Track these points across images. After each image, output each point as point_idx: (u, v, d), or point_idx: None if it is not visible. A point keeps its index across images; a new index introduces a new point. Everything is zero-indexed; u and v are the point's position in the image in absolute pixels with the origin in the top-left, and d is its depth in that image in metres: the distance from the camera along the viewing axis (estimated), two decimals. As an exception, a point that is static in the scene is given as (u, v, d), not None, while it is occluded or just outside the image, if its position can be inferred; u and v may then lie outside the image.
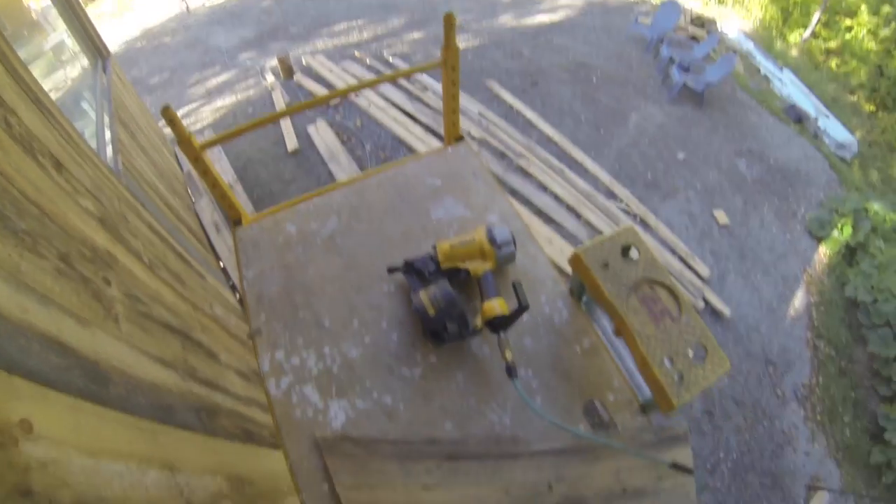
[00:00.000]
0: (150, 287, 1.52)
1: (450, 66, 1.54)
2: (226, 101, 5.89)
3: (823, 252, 6.16)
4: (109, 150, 2.61)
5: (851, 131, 9.10)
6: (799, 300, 5.54)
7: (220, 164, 4.60)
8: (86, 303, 1.04)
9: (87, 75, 3.41)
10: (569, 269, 1.35)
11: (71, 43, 3.51)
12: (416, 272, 1.33)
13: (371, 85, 1.69)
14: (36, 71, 1.62)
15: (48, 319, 0.87)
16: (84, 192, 1.41)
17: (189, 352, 1.55)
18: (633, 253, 1.28)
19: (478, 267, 1.31)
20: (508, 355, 1.14)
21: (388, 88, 5.64)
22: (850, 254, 6.20)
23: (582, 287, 1.32)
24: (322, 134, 4.99)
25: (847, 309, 5.77)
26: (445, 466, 1.07)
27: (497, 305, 1.19)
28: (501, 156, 5.22)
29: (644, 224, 5.22)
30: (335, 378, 1.22)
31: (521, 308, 1.17)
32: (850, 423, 4.92)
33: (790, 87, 9.43)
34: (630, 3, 9.97)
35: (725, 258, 5.43)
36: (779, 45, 12.18)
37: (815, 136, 8.31)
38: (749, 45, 10.62)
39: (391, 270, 1.37)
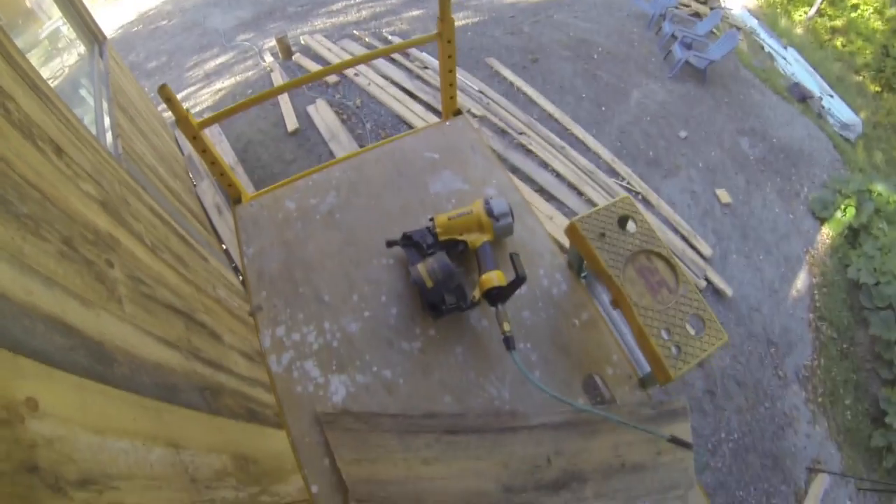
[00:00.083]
0: (152, 269, 1.54)
1: (445, 40, 1.52)
2: (225, 84, 5.85)
3: (826, 233, 6.16)
4: (109, 136, 2.61)
5: (856, 111, 9.02)
6: (801, 281, 5.54)
7: (221, 145, 4.59)
8: (89, 284, 1.05)
9: (84, 62, 3.38)
10: (568, 245, 1.35)
11: (66, 30, 3.48)
12: (415, 245, 1.34)
13: (367, 59, 1.68)
14: (32, 60, 1.61)
15: (52, 301, 0.88)
16: (85, 177, 1.42)
17: (192, 332, 1.57)
18: (631, 226, 1.28)
19: (476, 239, 1.30)
20: (506, 327, 1.14)
21: (388, 67, 5.59)
22: (852, 235, 6.19)
23: (581, 260, 1.32)
24: (322, 113, 4.96)
25: (849, 291, 5.77)
26: (444, 440, 1.09)
27: (495, 277, 1.19)
28: (502, 133, 5.19)
29: (646, 202, 5.21)
30: (335, 353, 1.23)
31: (519, 279, 1.16)
32: (852, 406, 4.95)
33: (794, 66, 9.33)
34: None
35: (727, 237, 5.43)
36: (783, 22, 12.02)
37: (819, 116, 8.24)
38: (753, 22, 10.48)
39: (390, 244, 1.37)
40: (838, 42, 13.16)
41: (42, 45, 3.64)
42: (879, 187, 6.59)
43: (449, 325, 1.28)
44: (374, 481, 1.03)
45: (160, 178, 2.94)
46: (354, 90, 5.32)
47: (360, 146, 4.68)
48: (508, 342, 1.13)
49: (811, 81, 8.95)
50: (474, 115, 5.27)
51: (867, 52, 12.81)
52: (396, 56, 5.75)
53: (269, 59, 5.99)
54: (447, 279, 1.21)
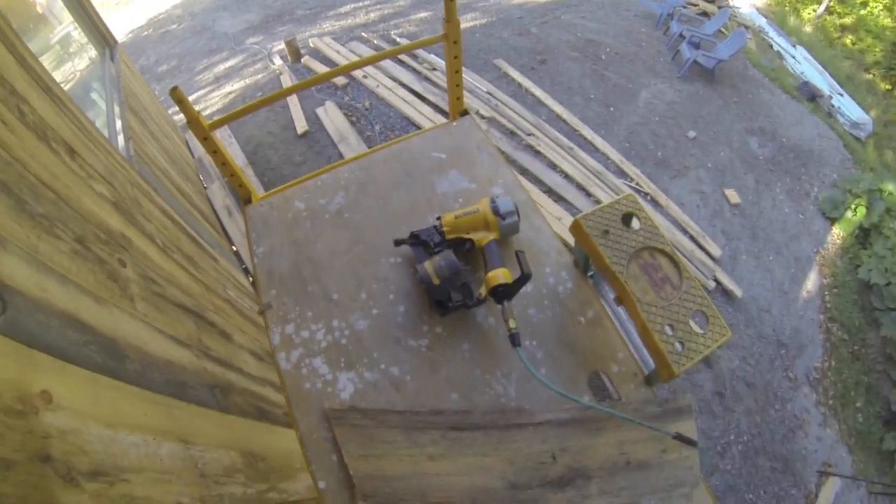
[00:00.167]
0: (164, 269, 1.56)
1: (451, 41, 1.54)
2: (234, 87, 5.90)
3: (836, 233, 6.09)
4: (121, 138, 2.65)
5: (866, 110, 8.94)
6: (811, 282, 5.49)
7: (231, 148, 4.63)
8: (102, 283, 1.07)
9: (96, 66, 3.43)
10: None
11: (77, 34, 3.52)
12: (422, 244, 1.36)
13: (375, 60, 1.71)
14: (45, 63, 1.64)
15: (66, 298, 0.90)
16: (97, 178, 1.44)
17: (203, 331, 1.59)
18: (635, 223, 1.29)
19: (482, 237, 1.32)
20: (512, 324, 1.15)
21: (396, 69, 5.62)
22: (863, 235, 6.12)
23: (587, 259, 1.33)
24: (331, 116, 4.98)
25: (860, 291, 5.70)
26: (451, 437, 1.10)
27: (500, 274, 1.20)
28: (511, 134, 5.19)
29: (655, 203, 5.19)
30: (343, 350, 1.25)
31: (524, 276, 1.17)
32: (863, 409, 4.88)
33: (803, 64, 9.26)
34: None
35: (737, 238, 5.39)
36: (792, 20, 11.93)
37: (829, 115, 8.17)
38: (761, 21, 10.42)
39: (398, 243, 1.39)
40: (848, 40, 13.04)
41: (54, 50, 3.68)
42: (890, 186, 6.50)
43: (456, 322, 1.29)
44: (381, 477, 1.04)
45: (171, 180, 2.97)
46: (363, 92, 5.35)
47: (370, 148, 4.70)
48: (514, 339, 1.14)
49: (821, 80, 8.88)
50: (483, 117, 5.28)
51: (877, 49, 12.68)
52: (405, 58, 5.77)
53: (278, 61, 6.04)
54: (454, 277, 1.22)
